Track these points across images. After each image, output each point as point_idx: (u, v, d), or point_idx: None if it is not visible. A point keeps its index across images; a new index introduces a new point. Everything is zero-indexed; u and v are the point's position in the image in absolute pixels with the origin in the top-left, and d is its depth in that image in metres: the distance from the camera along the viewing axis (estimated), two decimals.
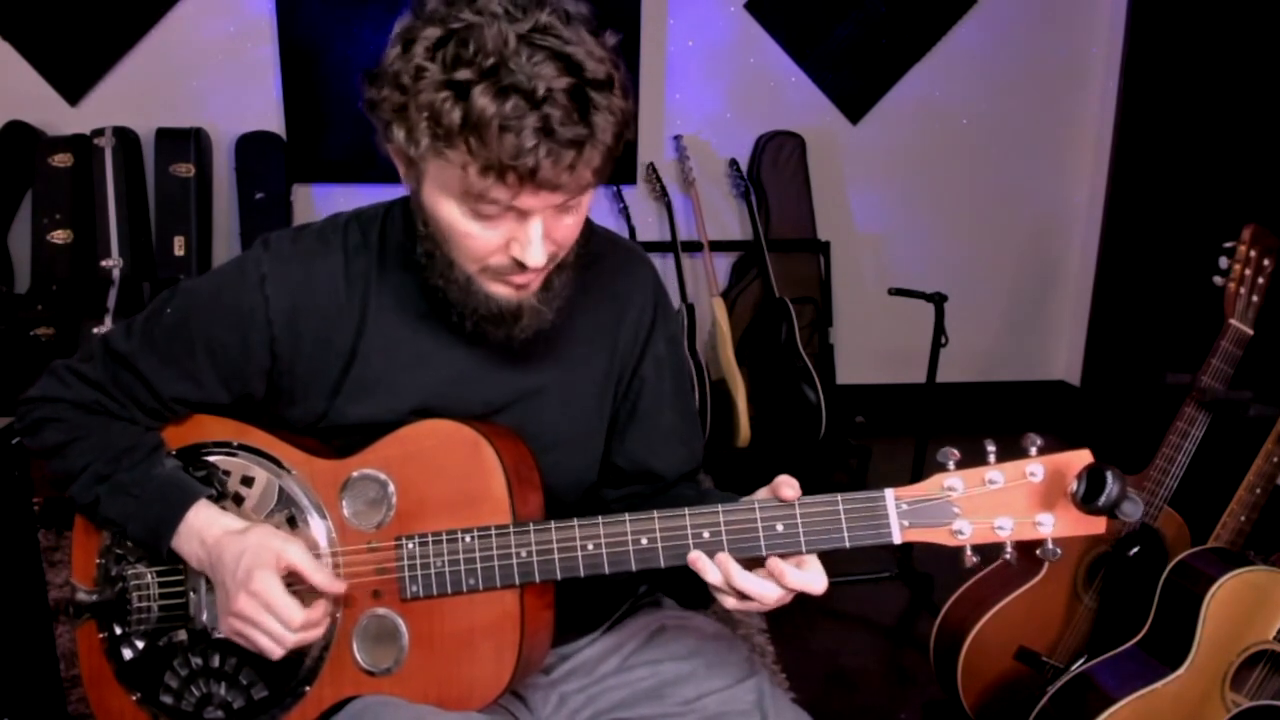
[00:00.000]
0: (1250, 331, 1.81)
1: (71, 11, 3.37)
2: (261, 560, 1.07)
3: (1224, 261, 1.82)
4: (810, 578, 1.02)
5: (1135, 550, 1.89)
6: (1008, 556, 1.00)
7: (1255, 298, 1.80)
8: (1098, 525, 0.97)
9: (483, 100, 0.90)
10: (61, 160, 3.30)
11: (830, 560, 1.03)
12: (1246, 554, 1.79)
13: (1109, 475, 0.92)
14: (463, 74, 0.91)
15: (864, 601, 2.68)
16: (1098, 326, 4.08)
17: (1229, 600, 1.66)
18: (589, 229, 1.11)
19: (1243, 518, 1.80)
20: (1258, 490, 1.79)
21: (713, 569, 1.02)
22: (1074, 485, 0.95)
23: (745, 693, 1.17)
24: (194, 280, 1.18)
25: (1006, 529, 0.98)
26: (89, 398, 1.17)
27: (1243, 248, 1.81)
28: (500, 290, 1.05)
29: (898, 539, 1.00)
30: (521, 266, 1.01)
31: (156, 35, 3.45)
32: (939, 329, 2.68)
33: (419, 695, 1.09)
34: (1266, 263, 1.80)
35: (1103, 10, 3.90)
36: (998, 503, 0.98)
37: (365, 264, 1.13)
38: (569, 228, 1.04)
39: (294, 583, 1.09)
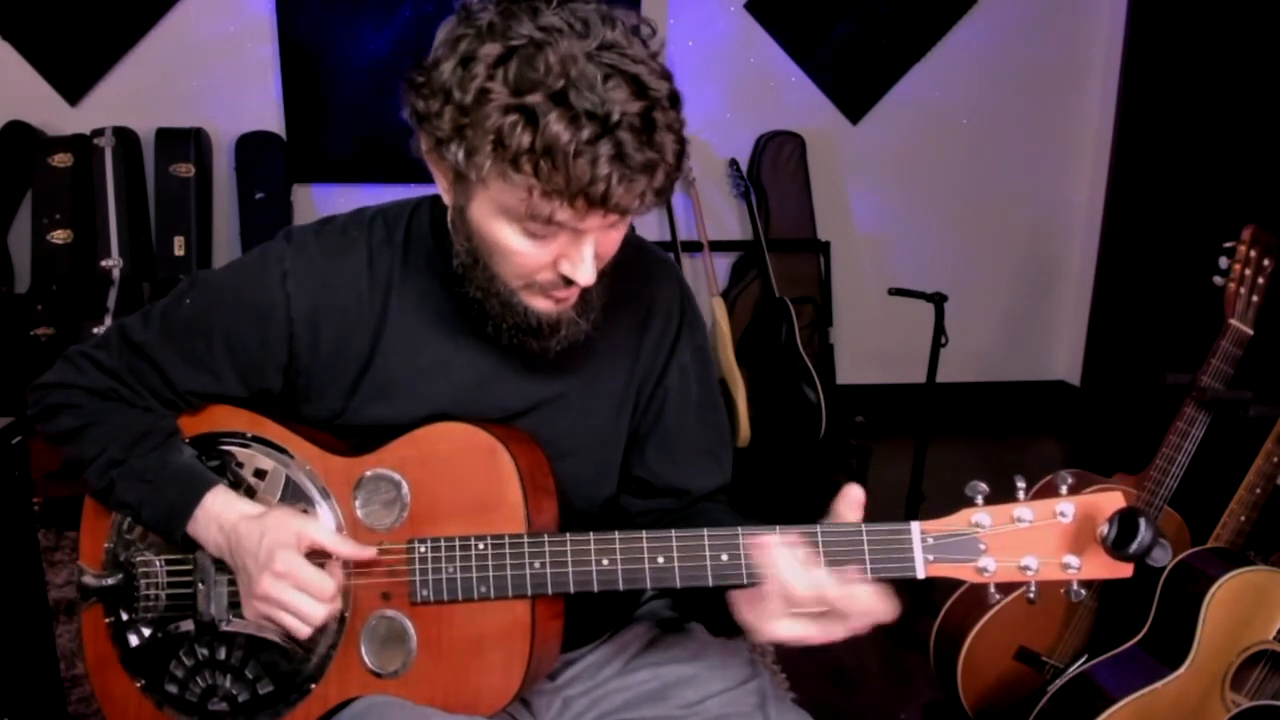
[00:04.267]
0: (1250, 331, 1.81)
1: (71, 11, 3.37)
2: (282, 540, 1.06)
3: (1224, 261, 1.82)
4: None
5: None
6: (1030, 596, 0.98)
7: (1255, 298, 1.80)
8: (1125, 570, 0.94)
9: (556, 126, 0.88)
10: (61, 160, 3.30)
11: None
12: (1246, 554, 1.79)
13: (1141, 522, 0.89)
14: (532, 98, 0.88)
15: None
16: (1098, 326, 4.08)
17: (1229, 600, 1.66)
18: None
19: (1243, 518, 1.80)
20: (1258, 490, 1.79)
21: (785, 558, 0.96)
22: (1104, 529, 0.92)
23: (747, 695, 1.17)
24: (214, 272, 1.16)
25: (1033, 569, 0.96)
26: (104, 385, 1.15)
27: (1243, 248, 1.80)
28: (541, 304, 1.03)
29: (921, 573, 0.97)
30: (568, 282, 1.00)
31: (156, 35, 3.45)
32: (939, 329, 2.68)
33: (425, 699, 1.08)
34: (1266, 263, 1.80)
35: (1103, 10, 3.90)
36: (1025, 541, 0.96)
37: (389, 263, 1.12)
38: (615, 241, 1.02)
39: (313, 560, 1.07)
